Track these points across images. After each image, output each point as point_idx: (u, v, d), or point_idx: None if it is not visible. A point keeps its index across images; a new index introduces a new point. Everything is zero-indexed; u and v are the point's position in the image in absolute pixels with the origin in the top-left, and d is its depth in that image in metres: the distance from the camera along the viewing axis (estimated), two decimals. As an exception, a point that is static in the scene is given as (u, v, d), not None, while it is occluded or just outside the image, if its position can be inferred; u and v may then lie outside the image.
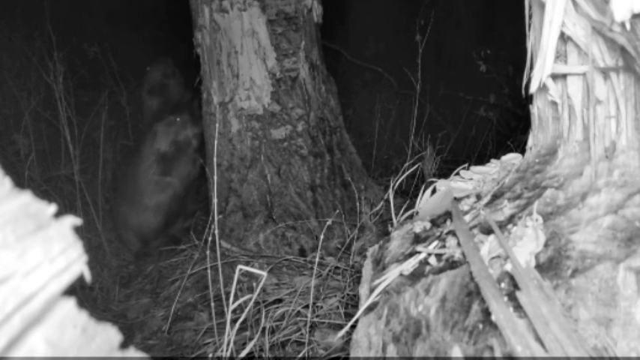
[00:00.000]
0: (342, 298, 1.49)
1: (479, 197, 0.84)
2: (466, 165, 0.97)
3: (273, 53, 2.09)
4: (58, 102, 2.31)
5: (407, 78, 2.62)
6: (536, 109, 0.83)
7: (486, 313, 0.60)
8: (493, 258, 0.66)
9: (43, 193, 2.37)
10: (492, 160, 0.95)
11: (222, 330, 1.31)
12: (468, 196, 0.86)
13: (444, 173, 1.91)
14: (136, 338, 1.67)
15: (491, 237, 0.69)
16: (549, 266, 0.62)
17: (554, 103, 0.78)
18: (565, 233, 0.64)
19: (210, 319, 1.59)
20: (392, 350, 0.72)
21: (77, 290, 1.85)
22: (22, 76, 2.96)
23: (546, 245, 0.64)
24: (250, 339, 1.34)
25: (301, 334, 1.39)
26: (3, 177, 0.35)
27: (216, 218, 1.21)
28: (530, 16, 0.80)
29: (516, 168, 0.83)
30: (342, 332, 1.03)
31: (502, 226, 0.71)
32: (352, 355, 0.81)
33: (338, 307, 1.47)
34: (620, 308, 0.56)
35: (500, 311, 0.55)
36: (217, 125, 2.09)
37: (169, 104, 2.45)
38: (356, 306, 1.32)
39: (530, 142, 0.85)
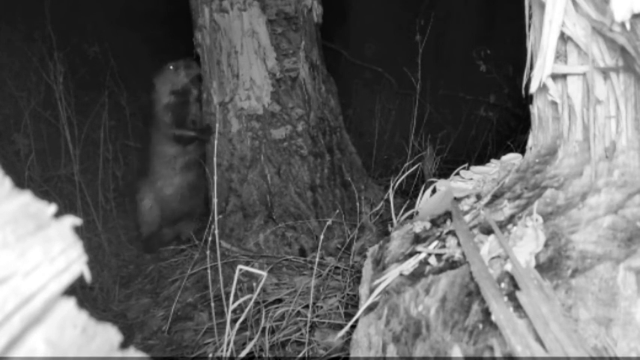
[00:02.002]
0: (342, 298, 1.49)
1: (479, 197, 0.84)
2: (466, 165, 0.97)
3: (273, 53, 2.09)
4: (58, 102, 2.31)
5: (407, 78, 2.62)
6: (536, 109, 0.83)
7: (486, 313, 0.60)
8: (493, 258, 0.66)
9: (43, 193, 2.37)
10: (492, 160, 0.95)
11: (222, 330, 1.31)
12: (468, 196, 0.86)
13: (444, 173, 1.91)
14: (136, 338, 1.67)
15: (491, 237, 0.69)
16: (549, 266, 0.62)
17: (554, 103, 0.78)
18: (565, 233, 0.64)
19: (210, 319, 1.59)
20: (392, 350, 0.72)
21: (77, 290, 1.85)
22: (22, 76, 2.96)
23: (546, 245, 0.64)
24: (250, 339, 1.34)
25: (301, 334, 1.39)
26: (3, 177, 0.35)
27: (216, 218, 1.21)
28: (530, 16, 0.80)
29: (516, 168, 0.83)
30: (342, 332, 1.03)
31: (502, 226, 0.71)
32: (352, 355, 0.81)
33: (338, 307, 1.47)
34: (620, 308, 0.56)
35: (500, 311, 0.55)
36: (217, 125, 2.09)
37: (188, 128, 2.32)
38: (356, 306, 1.32)
39: (530, 142, 0.85)
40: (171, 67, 2.29)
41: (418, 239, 0.83)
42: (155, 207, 2.40)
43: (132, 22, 3.55)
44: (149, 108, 2.36)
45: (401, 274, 0.78)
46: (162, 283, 2.06)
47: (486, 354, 0.58)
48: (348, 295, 1.48)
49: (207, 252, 1.35)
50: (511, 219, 0.72)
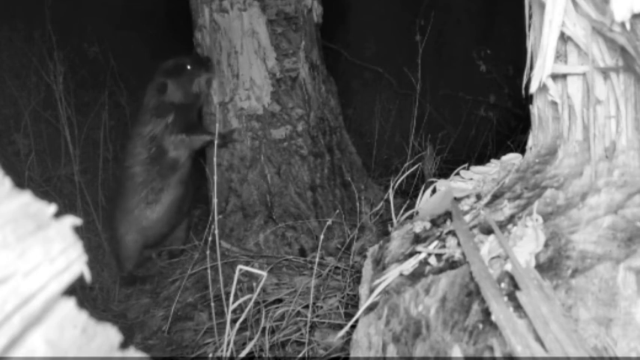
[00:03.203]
0: (342, 298, 1.49)
1: (479, 197, 0.84)
2: (466, 165, 0.97)
3: (273, 53, 2.09)
4: (58, 102, 2.31)
5: (407, 78, 2.62)
6: (536, 109, 0.83)
7: (486, 313, 0.60)
8: (493, 258, 0.66)
9: (43, 193, 2.37)
10: (492, 160, 0.95)
11: (222, 330, 1.31)
12: (468, 196, 0.86)
13: (444, 173, 1.91)
14: (136, 338, 1.67)
15: (491, 237, 0.69)
16: (549, 266, 0.62)
17: (554, 103, 0.78)
18: (565, 233, 0.64)
19: (210, 319, 1.59)
20: (392, 350, 0.72)
21: (77, 290, 1.85)
22: (22, 76, 2.96)
23: (546, 245, 0.64)
24: (250, 339, 1.34)
25: (301, 334, 1.39)
26: (3, 177, 0.35)
27: (216, 218, 1.21)
28: (530, 16, 0.80)
29: (516, 168, 0.83)
30: (342, 332, 1.03)
31: (502, 226, 0.71)
32: (352, 355, 0.81)
33: (338, 307, 1.47)
34: (620, 308, 0.56)
35: (500, 311, 0.55)
36: (217, 125, 2.09)
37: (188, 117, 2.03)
38: (356, 306, 1.32)
39: (530, 142, 0.85)
40: (188, 67, 2.03)
41: (418, 239, 0.83)
42: (139, 237, 2.06)
43: (132, 22, 3.55)
44: (146, 107, 2.06)
45: (401, 274, 0.78)
46: (162, 283, 2.06)
47: (486, 354, 0.58)
48: (348, 295, 1.48)
49: (207, 252, 1.35)
50: (511, 219, 0.72)
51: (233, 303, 0.94)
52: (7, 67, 2.94)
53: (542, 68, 0.69)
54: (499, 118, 3.38)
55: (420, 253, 0.78)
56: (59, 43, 2.49)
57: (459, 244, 0.73)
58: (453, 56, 3.79)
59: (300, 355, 1.28)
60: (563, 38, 0.72)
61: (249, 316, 1.44)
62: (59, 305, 0.35)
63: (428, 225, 0.85)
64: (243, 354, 1.08)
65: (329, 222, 1.59)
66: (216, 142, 1.34)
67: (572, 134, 0.75)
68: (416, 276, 0.75)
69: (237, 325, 1.03)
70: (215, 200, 1.28)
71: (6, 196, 0.34)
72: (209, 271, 1.30)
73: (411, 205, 0.98)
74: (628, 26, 0.61)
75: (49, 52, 2.49)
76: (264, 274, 0.99)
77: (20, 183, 2.19)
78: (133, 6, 3.53)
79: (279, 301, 1.56)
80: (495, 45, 3.51)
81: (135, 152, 2.03)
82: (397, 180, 1.28)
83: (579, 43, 0.70)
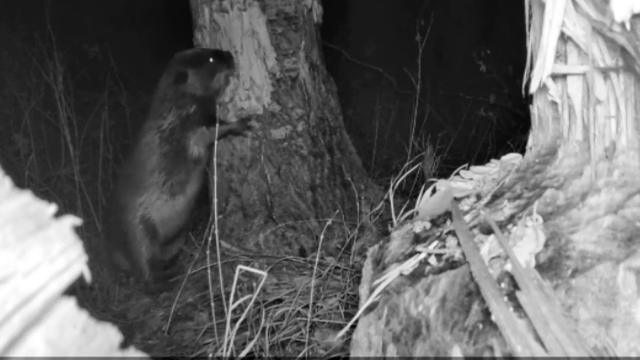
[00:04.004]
0: (342, 298, 1.49)
1: (479, 197, 0.84)
2: (466, 165, 0.97)
3: (273, 53, 2.09)
4: (58, 102, 2.31)
5: (407, 78, 2.62)
6: (536, 109, 0.83)
7: (486, 313, 0.60)
8: (493, 258, 0.66)
9: (43, 193, 2.37)
10: (492, 160, 0.95)
11: (222, 330, 1.31)
12: (468, 196, 0.86)
13: (444, 173, 1.91)
14: (135, 338, 1.67)
15: (491, 237, 0.69)
16: (549, 266, 0.62)
17: (554, 103, 0.78)
18: (565, 233, 0.64)
19: (210, 319, 1.59)
20: (392, 350, 0.72)
21: (77, 290, 1.84)
22: (22, 76, 2.96)
23: (546, 245, 0.64)
24: (250, 339, 1.34)
25: (301, 334, 1.39)
26: (3, 177, 0.35)
27: (216, 218, 1.21)
28: (530, 16, 0.80)
29: (516, 168, 0.83)
30: (342, 332, 1.03)
31: (502, 226, 0.71)
32: (352, 355, 0.81)
33: (338, 307, 1.47)
34: (620, 308, 0.56)
35: (500, 311, 0.55)
36: (217, 125, 2.09)
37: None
38: (356, 306, 1.32)
39: (530, 142, 0.85)
40: (211, 60, 1.95)
41: (418, 239, 0.83)
42: (156, 234, 1.95)
43: (132, 22, 3.55)
44: (163, 99, 1.94)
45: (401, 274, 0.78)
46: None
47: (486, 354, 0.58)
48: (348, 295, 1.48)
49: (207, 252, 1.35)
50: (511, 219, 0.72)
51: (233, 303, 0.94)
52: (7, 67, 2.94)
53: (542, 68, 0.69)
54: (499, 118, 3.39)
55: (420, 253, 0.78)
56: (59, 43, 2.49)
57: (459, 244, 0.73)
58: (453, 56, 3.79)
59: (300, 355, 1.28)
60: (563, 38, 0.72)
61: (249, 316, 1.44)
62: (59, 305, 0.35)
63: (428, 225, 0.85)
64: (243, 354, 1.08)
65: (329, 222, 1.59)
66: (216, 141, 1.34)
67: (572, 134, 0.75)
68: (416, 276, 0.75)
69: (237, 325, 1.03)
70: (215, 200, 1.28)
71: (6, 196, 0.34)
72: (209, 271, 1.30)
73: (411, 205, 0.98)
74: (628, 26, 0.61)
75: (49, 52, 2.49)
76: (264, 274, 0.99)
77: (20, 183, 2.19)
78: (133, 6, 3.53)
79: (279, 301, 1.56)
80: (495, 45, 3.51)
81: (153, 146, 1.91)
82: (397, 180, 1.28)
83: (579, 43, 0.70)
